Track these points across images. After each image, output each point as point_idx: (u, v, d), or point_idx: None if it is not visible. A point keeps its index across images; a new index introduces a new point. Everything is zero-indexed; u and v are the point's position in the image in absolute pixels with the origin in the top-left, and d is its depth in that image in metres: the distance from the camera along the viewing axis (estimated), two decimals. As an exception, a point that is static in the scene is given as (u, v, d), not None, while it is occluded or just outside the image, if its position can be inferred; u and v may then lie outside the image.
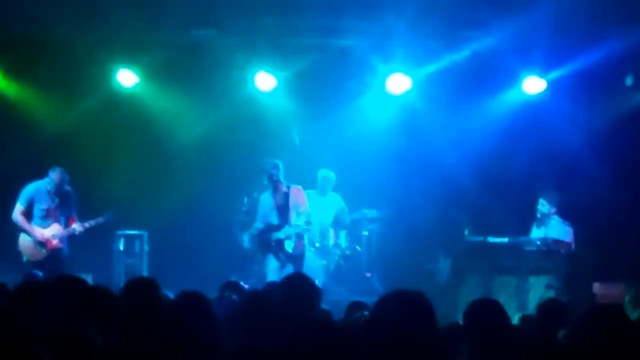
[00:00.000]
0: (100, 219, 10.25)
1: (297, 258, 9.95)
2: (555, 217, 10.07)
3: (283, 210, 10.00)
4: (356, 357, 3.45)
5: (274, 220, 9.99)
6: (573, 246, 9.84)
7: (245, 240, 10.97)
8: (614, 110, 11.35)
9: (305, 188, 10.55)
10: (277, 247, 9.93)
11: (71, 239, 10.22)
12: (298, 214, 9.88)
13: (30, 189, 9.99)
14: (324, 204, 11.12)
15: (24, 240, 9.98)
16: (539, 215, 10.08)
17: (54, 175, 9.94)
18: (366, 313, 5.62)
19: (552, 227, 10.00)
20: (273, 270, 9.84)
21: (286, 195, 10.02)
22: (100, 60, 11.20)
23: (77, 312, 4.32)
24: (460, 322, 4.53)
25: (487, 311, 4.21)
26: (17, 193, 10.09)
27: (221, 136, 11.64)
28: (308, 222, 9.88)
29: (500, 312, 4.21)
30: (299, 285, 5.14)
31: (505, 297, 8.84)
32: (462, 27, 10.79)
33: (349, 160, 11.40)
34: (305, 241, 10.10)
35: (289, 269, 9.60)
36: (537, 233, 10.07)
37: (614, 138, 11.26)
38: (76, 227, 10.09)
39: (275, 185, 9.99)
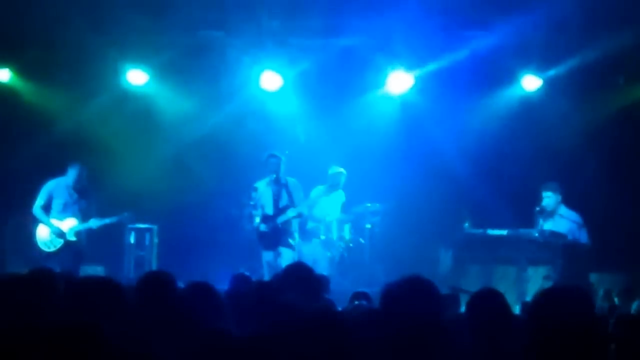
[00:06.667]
0: (116, 218, 10.56)
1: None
2: (562, 206, 9.97)
3: (280, 201, 10.27)
4: (359, 344, 3.61)
5: (269, 210, 10.27)
6: (586, 232, 9.84)
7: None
8: (608, 107, 11.60)
9: (309, 183, 10.78)
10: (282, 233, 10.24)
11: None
12: (294, 206, 10.20)
13: (50, 185, 10.39)
14: (331, 200, 11.24)
15: (40, 232, 10.39)
16: (548, 209, 9.91)
17: (73, 171, 10.36)
18: (364, 302, 5.91)
19: (559, 219, 9.86)
20: (267, 262, 10.10)
21: (285, 188, 10.28)
22: (111, 60, 11.38)
23: (84, 305, 4.26)
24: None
25: (489, 301, 4.28)
26: (28, 190, 10.49)
27: (229, 133, 11.78)
28: (301, 214, 10.23)
29: (502, 301, 4.28)
30: (301, 273, 5.27)
31: (504, 287, 8.72)
32: (463, 26, 11.02)
33: (352, 155, 11.49)
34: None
35: (284, 259, 9.90)
36: (546, 226, 10.15)
37: (608, 133, 11.47)
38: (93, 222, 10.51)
39: (275, 177, 10.24)
